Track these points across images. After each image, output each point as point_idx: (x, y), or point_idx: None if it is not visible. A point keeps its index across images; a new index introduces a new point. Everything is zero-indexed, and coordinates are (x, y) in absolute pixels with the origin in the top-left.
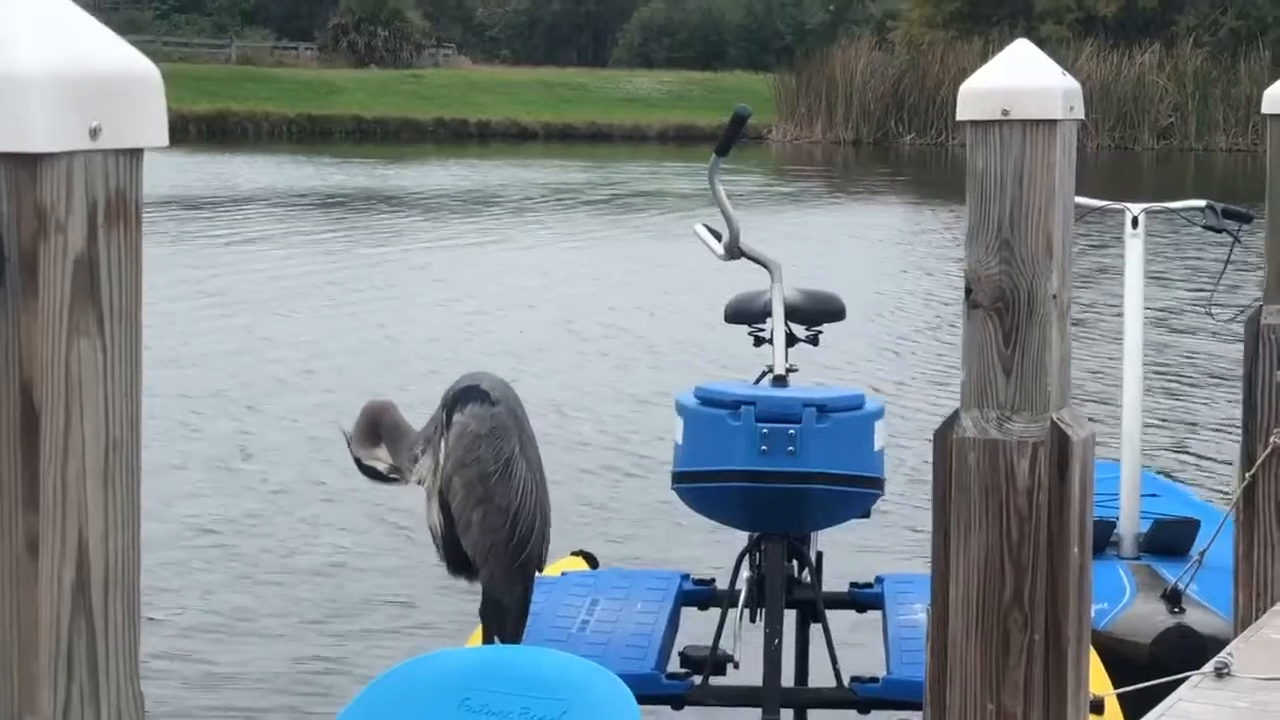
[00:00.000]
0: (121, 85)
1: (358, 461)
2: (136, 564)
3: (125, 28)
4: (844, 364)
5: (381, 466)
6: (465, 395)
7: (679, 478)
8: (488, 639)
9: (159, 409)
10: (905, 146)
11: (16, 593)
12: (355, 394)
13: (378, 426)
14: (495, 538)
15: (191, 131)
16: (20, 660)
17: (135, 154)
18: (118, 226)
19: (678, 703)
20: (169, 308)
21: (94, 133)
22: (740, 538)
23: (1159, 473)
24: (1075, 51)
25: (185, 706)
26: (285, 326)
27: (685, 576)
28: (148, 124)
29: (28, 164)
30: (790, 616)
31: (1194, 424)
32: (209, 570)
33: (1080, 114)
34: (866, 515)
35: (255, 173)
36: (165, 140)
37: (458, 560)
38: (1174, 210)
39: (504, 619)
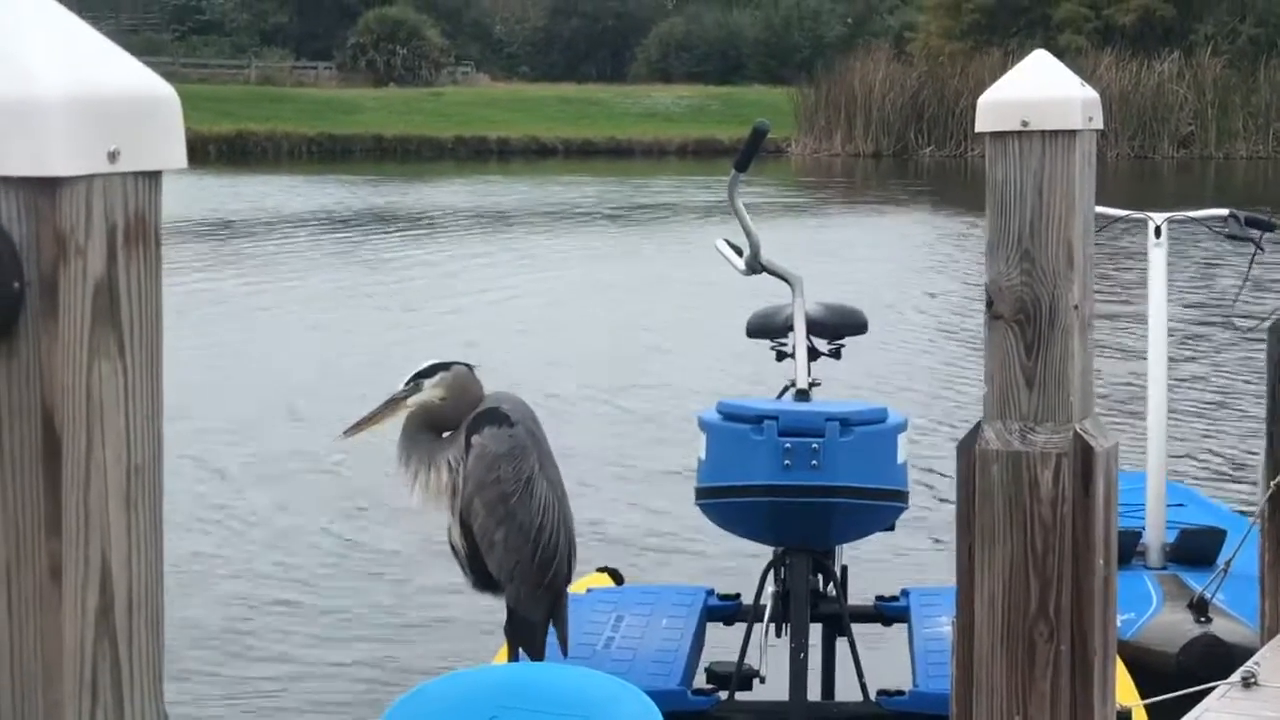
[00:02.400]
0: (139, 108)
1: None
2: (159, 586)
3: (144, 49)
4: (866, 377)
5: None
6: (483, 417)
7: (703, 493)
8: (514, 656)
9: (192, 427)
10: (925, 158)
11: (41, 618)
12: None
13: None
14: (519, 556)
15: (211, 153)
16: (45, 685)
17: (154, 176)
18: (137, 249)
19: (704, 718)
20: (200, 330)
21: (112, 156)
22: (765, 552)
23: (1185, 482)
24: (1094, 61)
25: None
26: (308, 344)
27: (710, 592)
28: (166, 146)
29: (47, 188)
30: (816, 631)
31: (1219, 434)
32: (230, 590)
33: (1099, 124)
34: (891, 528)
35: (278, 193)
36: (184, 162)
37: (484, 579)
38: (1197, 220)
39: (532, 636)
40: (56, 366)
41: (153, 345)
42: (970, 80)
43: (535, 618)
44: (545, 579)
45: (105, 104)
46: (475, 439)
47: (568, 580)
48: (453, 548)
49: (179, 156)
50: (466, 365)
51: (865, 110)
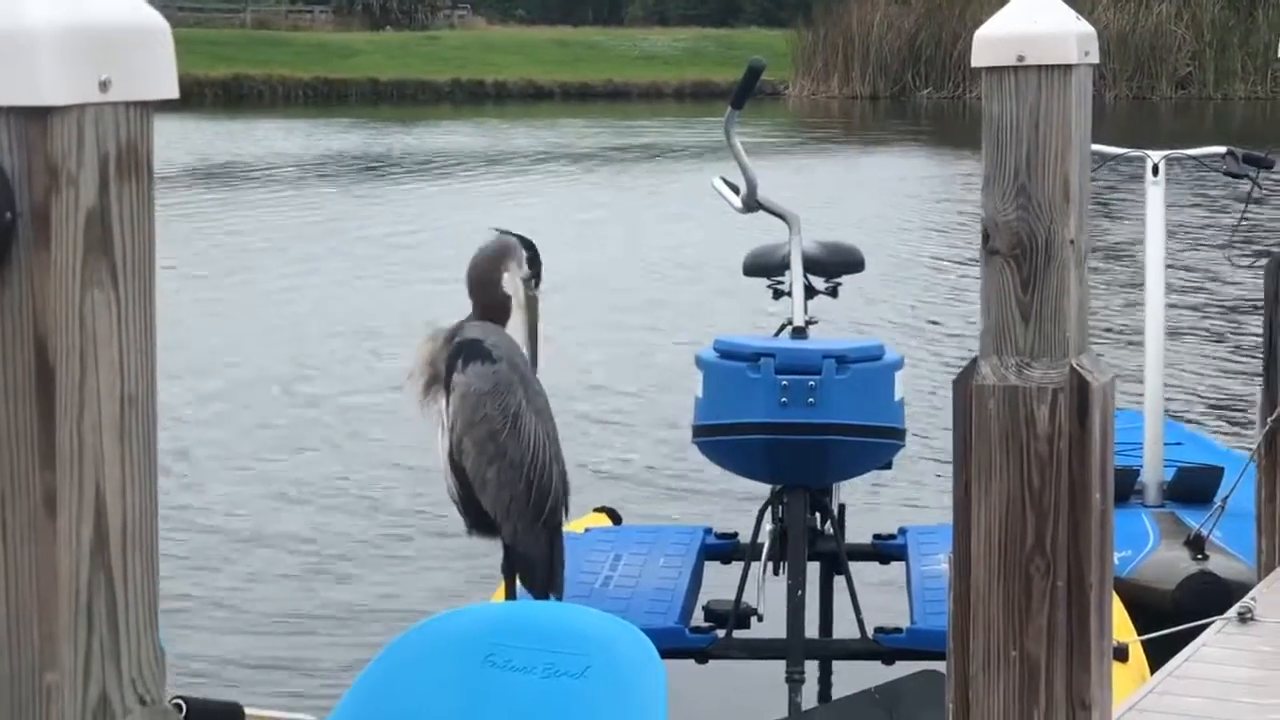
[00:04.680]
0: (130, 37)
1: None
2: (154, 518)
3: None
4: (863, 315)
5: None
6: (465, 353)
7: (700, 431)
8: (510, 595)
9: (196, 366)
10: (922, 100)
11: (35, 550)
12: (384, 345)
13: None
14: (513, 492)
15: (208, 96)
16: (40, 617)
17: (145, 106)
18: (129, 179)
19: (702, 656)
20: (206, 273)
21: (104, 85)
22: (763, 490)
23: (1182, 420)
24: (1092, 1)
25: (202, 663)
26: (313, 287)
27: (708, 531)
28: (157, 76)
29: (38, 117)
30: (814, 569)
31: (1216, 371)
32: (223, 531)
33: (1095, 58)
34: (888, 466)
35: (276, 137)
36: (175, 92)
37: (480, 520)
38: (1195, 157)
39: (532, 572)
40: (49, 296)
41: (145, 275)
42: (968, 22)
43: (534, 554)
44: (541, 513)
45: (96, 33)
46: (457, 378)
47: (563, 514)
48: (449, 493)
49: (170, 86)
50: (514, 236)
51: (863, 52)
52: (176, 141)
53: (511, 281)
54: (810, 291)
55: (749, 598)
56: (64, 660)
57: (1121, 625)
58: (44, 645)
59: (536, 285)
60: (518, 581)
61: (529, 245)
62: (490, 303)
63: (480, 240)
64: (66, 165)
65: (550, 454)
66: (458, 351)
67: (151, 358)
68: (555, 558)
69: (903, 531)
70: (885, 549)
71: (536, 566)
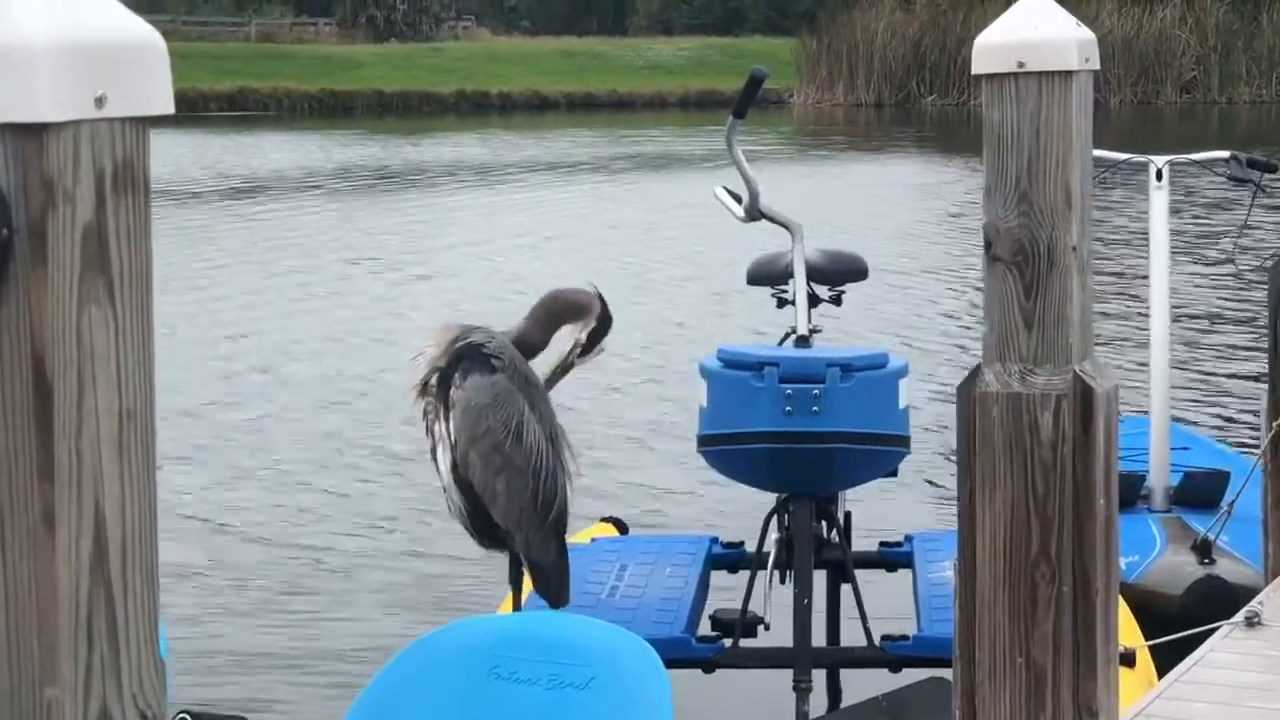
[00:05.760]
0: (126, 54)
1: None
2: (153, 532)
3: (144, 7)
4: (867, 323)
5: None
6: (465, 363)
7: (705, 441)
8: (518, 605)
9: (201, 382)
10: (927, 107)
11: (35, 565)
12: (390, 361)
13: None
14: (523, 501)
15: (213, 110)
16: (40, 632)
17: (141, 122)
18: (126, 195)
19: (709, 666)
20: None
21: (99, 101)
22: (768, 499)
23: (1188, 425)
24: (1096, 6)
25: (206, 679)
26: (329, 300)
27: (714, 540)
28: (153, 92)
29: (34, 134)
30: (820, 577)
31: (1222, 376)
32: (228, 544)
33: (1095, 65)
34: (894, 474)
35: (286, 150)
36: (171, 108)
37: (489, 533)
38: (1198, 162)
39: (546, 580)
40: (46, 313)
41: (143, 291)
42: (972, 29)
43: (548, 562)
44: (549, 520)
45: (91, 49)
46: (456, 393)
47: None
48: (454, 509)
49: (166, 102)
50: (601, 304)
51: (867, 60)
52: (186, 154)
53: (568, 338)
54: (814, 300)
55: (755, 607)
56: (64, 675)
57: (1128, 630)
58: (44, 660)
59: (583, 354)
60: (530, 589)
61: (605, 320)
62: (534, 339)
63: (573, 280)
64: (63, 182)
65: (553, 459)
66: (457, 359)
67: (149, 373)
68: (564, 565)
69: (909, 539)
70: (891, 556)
71: (550, 575)
